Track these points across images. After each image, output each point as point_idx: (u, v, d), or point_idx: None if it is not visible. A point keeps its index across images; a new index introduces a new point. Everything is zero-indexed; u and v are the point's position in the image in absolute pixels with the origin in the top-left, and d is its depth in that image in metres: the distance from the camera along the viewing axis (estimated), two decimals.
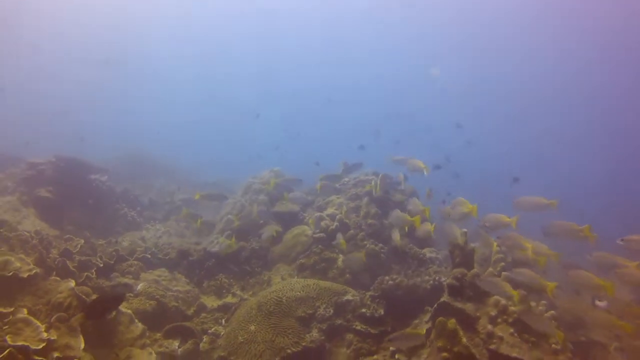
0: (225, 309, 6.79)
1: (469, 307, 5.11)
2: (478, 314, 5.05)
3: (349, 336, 5.83)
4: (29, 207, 9.01)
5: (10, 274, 5.36)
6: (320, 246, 7.64)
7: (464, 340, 4.68)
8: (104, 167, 10.99)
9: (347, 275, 7.21)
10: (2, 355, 3.98)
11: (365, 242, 7.60)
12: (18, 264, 5.56)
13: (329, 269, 7.35)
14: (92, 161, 10.93)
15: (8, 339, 4.24)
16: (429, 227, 6.59)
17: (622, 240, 5.47)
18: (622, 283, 5.58)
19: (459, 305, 5.11)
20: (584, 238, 5.21)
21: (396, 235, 6.75)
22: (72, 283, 5.49)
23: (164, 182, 14.33)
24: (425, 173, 7.12)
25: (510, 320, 4.95)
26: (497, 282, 4.89)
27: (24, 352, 4.17)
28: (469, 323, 5.01)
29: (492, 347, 4.73)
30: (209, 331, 6.23)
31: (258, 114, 19.11)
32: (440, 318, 4.91)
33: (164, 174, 15.18)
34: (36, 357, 4.23)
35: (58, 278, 5.73)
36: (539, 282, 4.97)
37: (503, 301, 5.08)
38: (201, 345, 5.92)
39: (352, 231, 7.74)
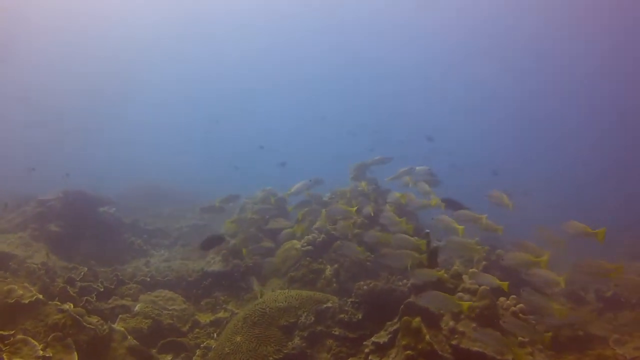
0: (217, 323, 7.17)
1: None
2: (442, 312, 5.31)
3: (329, 341, 6.11)
4: (39, 241, 9.61)
5: (13, 300, 5.87)
6: (308, 258, 7.98)
7: (427, 337, 4.93)
8: (111, 200, 11.62)
9: (334, 284, 7.52)
10: None
11: (355, 253, 7.89)
12: (21, 292, 6.07)
13: (317, 279, 7.68)
14: (100, 194, 11.57)
15: (5, 357, 4.70)
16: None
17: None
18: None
19: (422, 303, 5.37)
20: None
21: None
22: (69, 306, 5.95)
23: (172, 210, 14.93)
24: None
25: (473, 315, 5.18)
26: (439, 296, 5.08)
27: None
28: (433, 321, 5.26)
29: (454, 342, 4.97)
30: (202, 345, 6.60)
31: (262, 146, 19.44)
32: (405, 317, 5.17)
33: (172, 202, 15.80)
34: None
35: (58, 303, 6.21)
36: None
37: (466, 297, 5.32)
38: (193, 358, 6.30)
39: (338, 242, 8.05)
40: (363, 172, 9.35)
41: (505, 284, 5.36)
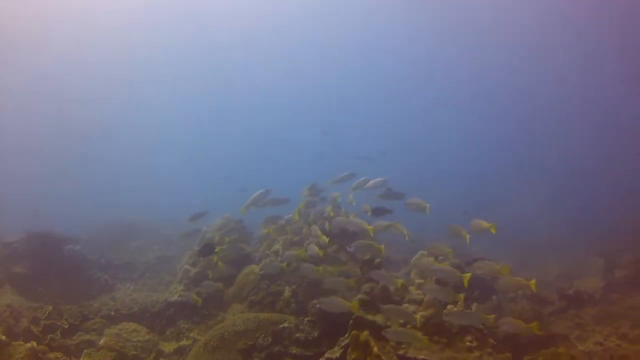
0: (181, 351, 7.46)
1: (379, 318, 5.83)
2: (388, 323, 5.75)
3: None
4: (5, 284, 9.75)
5: None
6: (267, 282, 8.36)
7: (376, 349, 5.34)
8: (76, 237, 11.80)
9: (293, 305, 7.90)
10: None
11: (308, 274, 8.31)
12: None
13: (276, 301, 8.04)
14: (64, 233, 11.74)
15: None
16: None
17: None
18: None
19: (370, 317, 5.82)
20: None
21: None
22: (32, 344, 6.20)
23: (140, 244, 15.14)
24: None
25: (418, 325, 5.63)
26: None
27: None
28: (378, 333, 5.69)
29: (401, 352, 5.40)
30: None
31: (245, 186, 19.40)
32: (354, 332, 5.60)
33: (140, 235, 16.00)
34: None
35: (22, 342, 6.44)
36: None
37: (412, 308, 5.78)
38: None
39: (294, 263, 8.45)
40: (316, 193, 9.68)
41: (461, 296, 5.86)
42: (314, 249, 7.63)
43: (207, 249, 8.39)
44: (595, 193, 26.82)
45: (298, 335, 6.64)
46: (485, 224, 6.34)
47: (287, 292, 8.11)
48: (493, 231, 6.29)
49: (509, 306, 9.68)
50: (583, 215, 21.06)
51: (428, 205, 7.08)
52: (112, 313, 8.41)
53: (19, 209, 20.61)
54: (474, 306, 9.15)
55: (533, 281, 5.80)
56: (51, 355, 6.14)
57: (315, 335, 6.60)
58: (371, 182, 8.84)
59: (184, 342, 7.71)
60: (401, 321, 5.74)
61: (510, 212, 18.29)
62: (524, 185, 24.07)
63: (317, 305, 6.68)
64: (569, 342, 8.80)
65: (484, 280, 10.82)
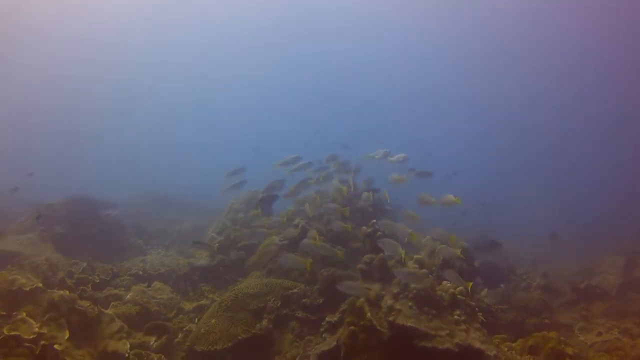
0: (199, 310, 7.95)
1: (376, 287, 6.08)
2: (383, 293, 5.99)
3: (293, 323, 6.85)
4: (46, 242, 10.51)
5: (16, 288, 6.71)
6: (285, 252, 8.70)
7: (369, 315, 5.64)
8: (113, 203, 12.51)
9: (307, 274, 8.23)
10: None
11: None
12: (23, 281, 6.91)
13: (291, 271, 8.39)
14: (102, 198, 12.48)
15: (5, 330, 5.53)
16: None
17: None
18: None
19: (367, 286, 6.08)
20: None
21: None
22: (64, 292, 6.77)
23: (173, 214, 15.83)
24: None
25: (411, 295, 5.85)
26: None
27: (16, 340, 5.44)
28: (375, 301, 5.95)
29: (391, 318, 5.65)
30: (184, 329, 7.37)
31: (258, 147, 19.94)
32: (351, 298, 5.90)
33: (173, 208, 16.72)
34: (27, 344, 5.49)
35: (56, 290, 7.04)
36: None
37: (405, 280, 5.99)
38: (176, 340, 7.08)
39: (305, 240, 8.75)
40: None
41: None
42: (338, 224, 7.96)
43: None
44: (619, 193, 26.35)
45: (305, 300, 6.99)
46: (453, 198, 7.25)
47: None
48: (457, 202, 7.25)
49: (519, 294, 9.72)
50: (606, 214, 20.74)
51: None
52: (140, 272, 9.00)
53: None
54: (484, 291, 9.29)
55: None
56: (81, 302, 6.68)
57: (321, 301, 6.96)
58: (395, 157, 9.25)
59: (203, 302, 8.20)
60: (396, 291, 5.96)
61: (534, 212, 18.23)
62: (545, 186, 24.01)
63: (324, 274, 7.00)
64: (572, 331, 8.85)
65: (496, 269, 10.92)
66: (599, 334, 9.03)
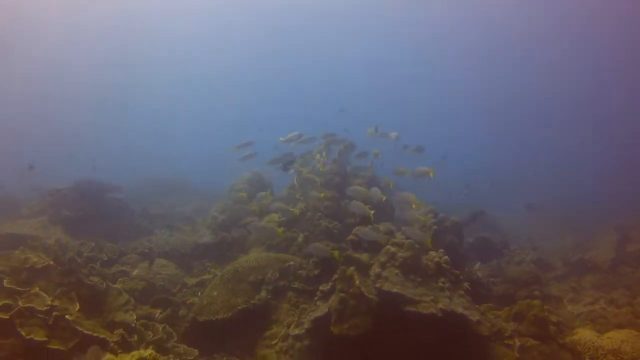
0: (202, 284, 8.37)
1: (364, 256, 6.46)
2: (372, 262, 6.36)
3: (290, 293, 7.25)
4: (56, 225, 10.97)
5: (29, 265, 7.13)
6: (284, 228, 9.09)
7: (357, 282, 6.02)
8: (118, 187, 12.92)
9: (305, 249, 8.62)
10: (13, 312, 5.69)
11: (322, 221, 8.99)
12: (35, 259, 7.32)
13: (290, 246, 8.79)
14: (108, 182, 12.89)
15: (20, 303, 5.95)
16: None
17: None
18: None
19: (357, 256, 6.45)
20: None
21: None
22: (75, 269, 7.20)
23: (178, 199, 16.28)
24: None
25: (397, 264, 6.20)
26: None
27: (30, 311, 5.87)
28: (364, 269, 6.31)
29: (378, 285, 6.01)
30: (188, 302, 7.79)
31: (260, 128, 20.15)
32: (342, 267, 6.27)
33: (178, 192, 17.18)
34: (39, 315, 5.92)
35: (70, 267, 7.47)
36: None
37: (392, 249, 6.34)
38: (180, 312, 7.50)
39: (309, 213, 9.14)
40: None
41: (429, 240, 6.46)
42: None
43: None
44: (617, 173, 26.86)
45: (301, 272, 7.37)
46: (426, 169, 7.88)
47: (300, 238, 8.82)
48: (431, 175, 7.82)
49: (511, 268, 10.07)
50: (604, 192, 21.19)
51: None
52: (146, 251, 9.42)
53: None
54: (477, 265, 9.64)
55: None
56: (91, 278, 7.11)
57: (316, 273, 7.33)
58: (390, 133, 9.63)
59: (206, 276, 8.62)
60: (383, 259, 6.32)
61: (534, 191, 18.63)
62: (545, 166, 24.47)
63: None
64: (561, 302, 9.21)
65: (490, 244, 11.27)
66: (587, 304, 9.41)
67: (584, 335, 6.51)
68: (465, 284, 6.52)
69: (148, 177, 18.68)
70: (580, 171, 27.26)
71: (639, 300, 9.26)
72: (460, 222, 8.95)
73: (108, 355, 5.15)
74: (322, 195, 8.73)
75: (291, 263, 7.55)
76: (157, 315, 7.25)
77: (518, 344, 6.22)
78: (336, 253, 6.56)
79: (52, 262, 7.38)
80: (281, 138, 10.16)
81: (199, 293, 8.07)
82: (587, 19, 29.40)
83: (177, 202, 15.81)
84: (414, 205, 7.59)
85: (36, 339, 5.60)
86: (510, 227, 15.93)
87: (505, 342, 6.35)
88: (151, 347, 6.13)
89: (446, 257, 6.62)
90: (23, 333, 5.59)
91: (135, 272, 8.28)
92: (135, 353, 5.05)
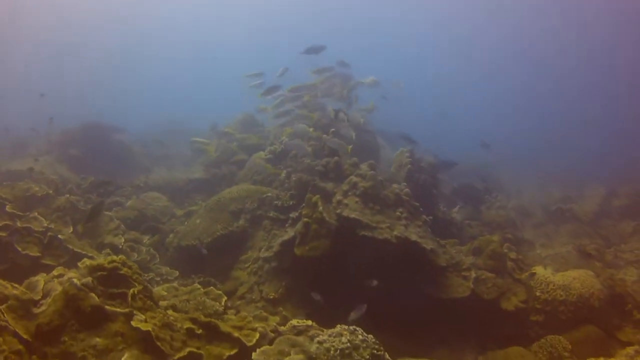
0: (189, 214, 9.03)
1: (329, 185, 6.93)
2: (335, 191, 6.83)
3: (265, 222, 7.82)
4: (62, 163, 11.70)
5: (30, 194, 7.83)
6: (269, 165, 9.60)
7: (321, 208, 6.50)
8: (122, 128, 13.55)
9: (286, 184, 9.13)
10: (11, 230, 6.40)
11: (305, 159, 9.44)
12: (36, 188, 8.03)
13: (274, 181, 9.30)
14: (114, 124, 13.52)
15: (18, 223, 6.66)
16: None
17: None
18: None
19: (322, 185, 6.92)
20: None
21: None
22: (71, 197, 7.88)
23: (181, 140, 16.90)
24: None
25: (358, 193, 6.65)
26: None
27: (28, 230, 6.58)
28: (328, 197, 6.79)
29: (338, 211, 6.50)
30: (175, 230, 8.46)
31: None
32: (309, 194, 6.76)
33: (185, 135, 17.80)
34: (36, 235, 6.63)
35: (67, 195, 8.17)
36: None
37: (355, 179, 6.78)
38: (167, 239, 8.18)
39: (294, 151, 9.57)
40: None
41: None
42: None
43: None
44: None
45: (277, 202, 7.90)
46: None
47: (283, 174, 9.31)
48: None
49: (489, 212, 10.42)
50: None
51: None
52: (141, 184, 10.09)
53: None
54: (456, 208, 10.04)
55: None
56: (83, 204, 7.80)
57: (291, 203, 7.83)
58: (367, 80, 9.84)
59: (193, 208, 9.27)
60: (345, 188, 6.78)
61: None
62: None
63: (294, 179, 7.87)
64: (533, 246, 9.61)
65: (473, 190, 11.59)
66: (558, 249, 9.78)
67: (539, 272, 6.94)
68: (425, 217, 6.93)
69: (155, 121, 19.38)
70: (589, 138, 27.27)
71: (612, 250, 9.62)
72: (436, 164, 9.29)
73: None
74: (312, 130, 9.09)
75: (269, 194, 8.08)
76: (144, 241, 7.95)
77: (474, 275, 6.64)
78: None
79: (51, 192, 8.07)
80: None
81: (185, 222, 8.74)
82: None
83: (181, 142, 16.42)
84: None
85: (31, 254, 6.31)
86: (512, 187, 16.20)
87: (463, 273, 6.79)
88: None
89: (407, 189, 7.02)
90: (19, 249, 6.30)
91: (128, 203, 8.96)
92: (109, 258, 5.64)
